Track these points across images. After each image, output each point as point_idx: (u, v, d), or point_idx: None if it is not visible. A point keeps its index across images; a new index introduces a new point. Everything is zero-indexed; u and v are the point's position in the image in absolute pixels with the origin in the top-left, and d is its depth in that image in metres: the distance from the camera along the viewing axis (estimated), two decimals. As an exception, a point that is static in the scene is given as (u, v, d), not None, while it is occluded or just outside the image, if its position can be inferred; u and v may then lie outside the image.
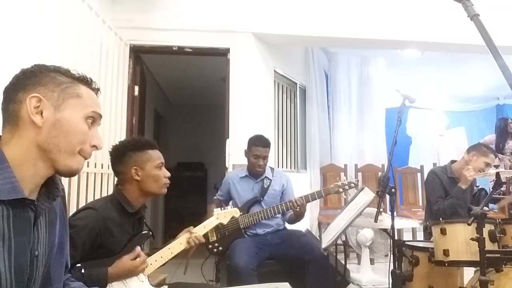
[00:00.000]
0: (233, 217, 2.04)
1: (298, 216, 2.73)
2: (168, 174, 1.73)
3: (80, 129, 0.93)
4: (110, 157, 1.73)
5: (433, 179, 2.95)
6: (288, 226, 2.92)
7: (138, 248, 1.56)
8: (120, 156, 1.68)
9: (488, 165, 2.85)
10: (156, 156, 1.70)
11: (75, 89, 0.94)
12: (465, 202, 2.76)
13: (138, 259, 1.54)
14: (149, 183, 1.66)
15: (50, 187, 0.95)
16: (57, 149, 0.89)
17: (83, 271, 1.44)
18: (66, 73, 0.96)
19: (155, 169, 1.67)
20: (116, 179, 1.76)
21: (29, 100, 0.88)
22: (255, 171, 2.83)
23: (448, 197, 2.83)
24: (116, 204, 1.64)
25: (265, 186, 2.84)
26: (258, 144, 2.77)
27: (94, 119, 0.97)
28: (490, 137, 5.45)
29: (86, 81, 0.98)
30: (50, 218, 0.97)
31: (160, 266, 1.69)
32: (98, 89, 1.02)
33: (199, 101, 6.50)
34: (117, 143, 1.79)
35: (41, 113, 0.88)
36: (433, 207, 2.88)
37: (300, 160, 4.55)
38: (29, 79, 0.91)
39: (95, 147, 0.96)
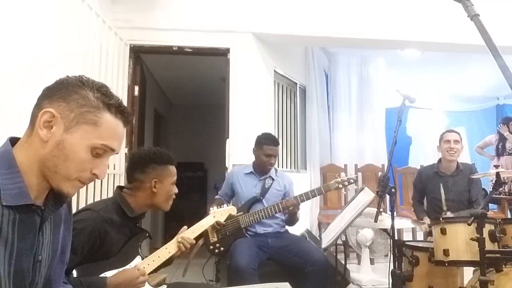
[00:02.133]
0: (230, 215, 2.04)
1: (291, 216, 2.74)
2: (176, 191, 1.76)
3: (80, 158, 0.88)
4: (130, 162, 1.76)
5: (416, 178, 3.20)
6: (290, 230, 2.92)
7: (140, 266, 1.56)
8: (144, 165, 1.69)
9: (448, 142, 2.98)
10: (174, 172, 1.74)
11: (95, 116, 0.89)
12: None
13: (138, 271, 1.53)
14: (162, 197, 1.70)
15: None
16: (55, 169, 0.87)
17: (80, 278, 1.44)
18: (102, 95, 0.91)
19: (171, 185, 1.72)
20: (115, 181, 1.76)
21: (42, 113, 0.87)
22: (265, 169, 2.86)
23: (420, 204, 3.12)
24: (117, 207, 1.64)
25: (267, 186, 2.85)
26: (270, 143, 2.80)
27: (104, 151, 0.91)
28: (490, 138, 5.45)
29: (117, 110, 0.92)
30: (55, 222, 0.97)
31: (159, 266, 1.68)
32: (129, 122, 0.96)
33: (199, 101, 6.50)
34: (141, 150, 1.82)
35: (51, 128, 0.87)
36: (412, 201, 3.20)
37: (300, 160, 4.55)
38: (61, 90, 0.89)
39: (95, 175, 0.92)
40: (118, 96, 0.97)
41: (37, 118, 0.87)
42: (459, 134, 3.06)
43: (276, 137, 2.96)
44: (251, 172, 2.90)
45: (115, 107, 0.92)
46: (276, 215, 2.76)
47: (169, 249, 1.71)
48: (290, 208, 2.63)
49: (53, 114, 0.86)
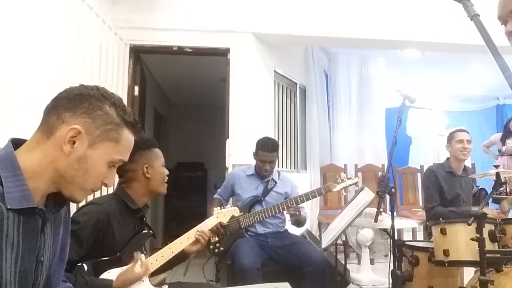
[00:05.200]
0: (232, 216, 2.05)
1: (293, 219, 2.71)
2: (167, 172, 1.79)
3: (99, 172, 0.93)
4: None
5: (428, 177, 2.97)
6: (290, 230, 2.92)
7: (138, 254, 1.54)
8: (131, 154, 1.68)
9: (461, 141, 2.92)
10: (160, 154, 1.78)
11: (117, 133, 0.94)
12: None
13: (140, 265, 1.52)
14: (157, 181, 1.72)
15: (59, 194, 0.95)
16: (71, 180, 0.90)
17: (85, 275, 1.45)
18: (121, 111, 0.95)
19: (161, 167, 1.75)
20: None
21: (69, 130, 0.88)
22: (262, 175, 2.85)
23: (452, 208, 2.83)
24: (119, 201, 1.65)
25: (269, 187, 2.85)
26: (264, 149, 2.75)
27: (118, 164, 0.98)
28: (495, 136, 5.43)
29: (132, 126, 0.98)
30: (56, 222, 0.97)
31: (161, 266, 1.69)
32: (139, 131, 1.02)
33: (199, 101, 6.50)
34: None
35: (73, 143, 0.88)
36: (427, 205, 2.94)
37: (300, 160, 4.55)
38: (84, 103, 0.90)
39: (105, 184, 0.97)
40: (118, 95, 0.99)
41: (57, 129, 0.88)
42: (470, 134, 3.01)
43: (276, 140, 2.90)
44: (253, 174, 2.89)
45: (131, 124, 0.97)
46: (277, 215, 2.75)
47: (172, 249, 1.72)
48: (290, 210, 2.61)
49: (79, 130, 0.88)
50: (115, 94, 0.98)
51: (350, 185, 2.65)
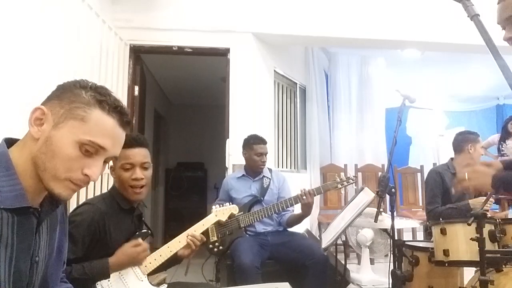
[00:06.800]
0: (231, 214, 2.05)
1: (304, 210, 2.64)
2: (136, 175, 1.55)
3: (66, 154, 0.84)
4: None
5: (433, 178, 2.92)
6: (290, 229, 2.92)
7: (139, 239, 1.57)
8: None
9: (483, 149, 2.92)
10: (124, 155, 1.53)
11: (84, 111, 0.86)
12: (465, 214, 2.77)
13: (139, 247, 1.54)
14: (118, 183, 1.61)
15: None
16: (43, 167, 0.85)
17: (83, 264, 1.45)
18: (96, 92, 0.89)
19: (119, 169, 1.58)
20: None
21: (34, 110, 0.87)
22: (258, 169, 2.88)
23: (450, 205, 2.80)
24: (111, 200, 1.63)
25: (265, 186, 2.87)
26: (259, 141, 2.86)
27: (96, 150, 0.87)
28: (493, 137, 5.43)
29: (111, 108, 0.89)
30: (51, 223, 0.97)
31: (164, 265, 1.69)
32: (126, 122, 0.93)
33: (199, 101, 6.51)
34: None
35: (42, 126, 0.86)
36: (427, 206, 2.91)
37: (300, 160, 4.55)
38: (59, 90, 0.91)
39: (87, 176, 0.87)
40: (118, 97, 0.96)
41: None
42: None
43: (271, 138, 2.98)
44: (243, 175, 2.93)
45: (109, 105, 0.89)
46: (276, 214, 2.76)
47: (170, 248, 1.72)
48: (304, 197, 2.56)
49: (44, 111, 0.87)
50: (101, 85, 0.93)
51: (347, 179, 2.63)
